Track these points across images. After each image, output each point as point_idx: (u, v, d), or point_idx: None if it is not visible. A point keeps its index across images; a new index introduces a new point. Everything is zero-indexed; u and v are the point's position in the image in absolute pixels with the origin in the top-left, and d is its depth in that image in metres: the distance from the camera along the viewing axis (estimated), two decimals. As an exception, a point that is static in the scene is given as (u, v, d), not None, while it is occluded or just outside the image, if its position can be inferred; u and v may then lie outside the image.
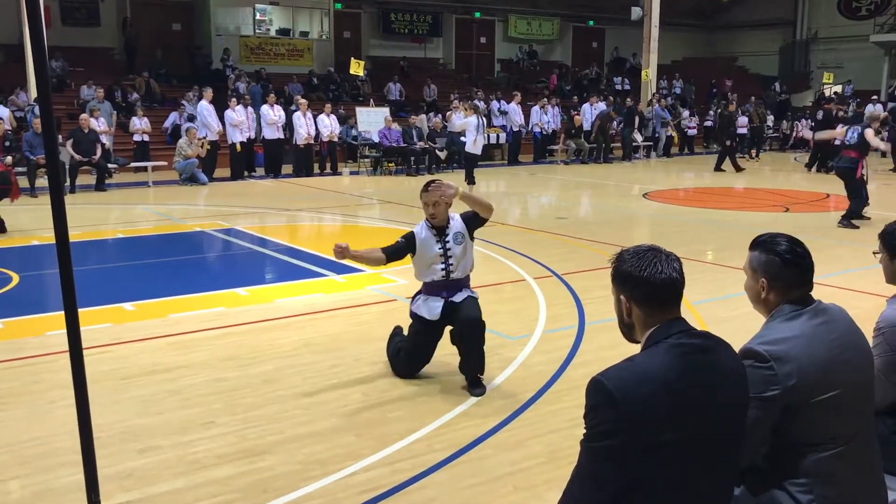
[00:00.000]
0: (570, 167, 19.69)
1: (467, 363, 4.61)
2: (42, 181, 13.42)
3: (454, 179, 4.75)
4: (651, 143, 22.41)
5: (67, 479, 3.50)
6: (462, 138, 15.93)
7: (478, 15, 29.26)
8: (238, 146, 16.38)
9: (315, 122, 17.51)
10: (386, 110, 19.58)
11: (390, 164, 18.17)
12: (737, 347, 2.16)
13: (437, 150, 18.43)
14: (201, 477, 3.57)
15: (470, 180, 14.92)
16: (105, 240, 9.93)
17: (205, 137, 15.84)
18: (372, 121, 18.78)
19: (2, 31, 19.83)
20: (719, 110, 25.21)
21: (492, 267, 7.86)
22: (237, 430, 4.06)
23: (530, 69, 29.28)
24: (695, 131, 24.71)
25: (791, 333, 2.22)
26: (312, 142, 17.47)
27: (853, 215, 10.42)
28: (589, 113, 21.66)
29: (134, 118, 17.23)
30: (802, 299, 2.30)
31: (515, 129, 20.93)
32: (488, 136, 19.07)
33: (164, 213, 11.94)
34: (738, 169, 18.01)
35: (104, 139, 15.46)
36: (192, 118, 17.58)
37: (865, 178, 10.46)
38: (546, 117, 21.06)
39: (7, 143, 13.52)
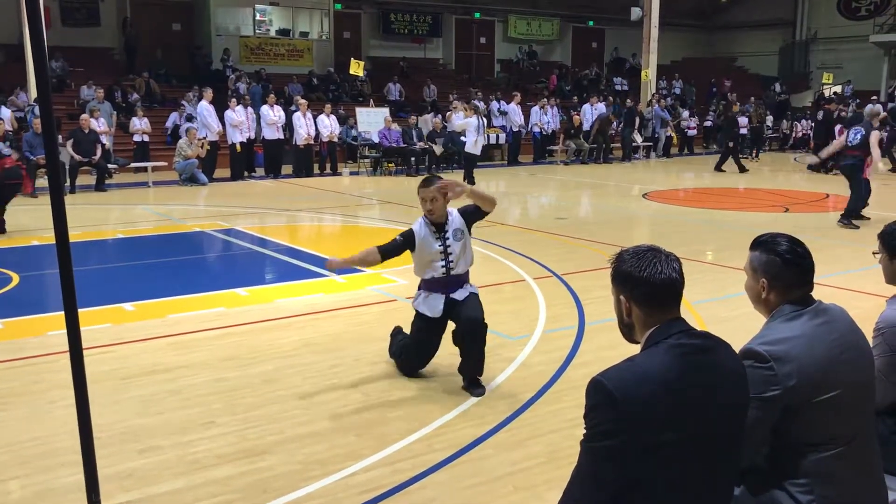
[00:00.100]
0: (570, 167, 19.69)
1: (467, 364, 4.61)
2: (42, 181, 13.42)
3: (453, 179, 4.73)
4: (651, 144, 22.41)
5: (67, 479, 3.51)
6: (462, 138, 15.94)
7: (478, 15, 29.27)
8: (238, 146, 16.39)
9: (315, 122, 17.50)
10: (386, 111, 19.59)
11: (390, 165, 18.18)
12: (737, 347, 2.16)
13: (433, 146, 18.37)
14: (201, 477, 3.57)
15: (469, 180, 14.92)
16: (105, 240, 9.93)
17: (205, 138, 15.84)
18: (372, 121, 18.79)
19: (2, 31, 19.84)
20: (718, 110, 25.29)
21: (492, 267, 7.86)
22: (237, 430, 4.06)
23: (530, 69, 29.29)
24: (695, 132, 24.72)
25: (791, 334, 2.22)
26: (312, 142, 17.47)
27: (852, 213, 10.41)
28: (589, 113, 21.67)
29: (134, 118, 17.23)
30: (803, 299, 2.30)
31: (515, 129, 20.93)
32: (488, 136, 19.07)
33: (164, 213, 11.94)
34: (742, 169, 18.00)
35: (104, 139, 15.47)
36: (190, 118, 17.59)
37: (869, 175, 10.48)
38: (546, 117, 21.06)
39: (7, 144, 13.51)
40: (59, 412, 4.22)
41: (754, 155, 22.13)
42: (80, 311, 2.85)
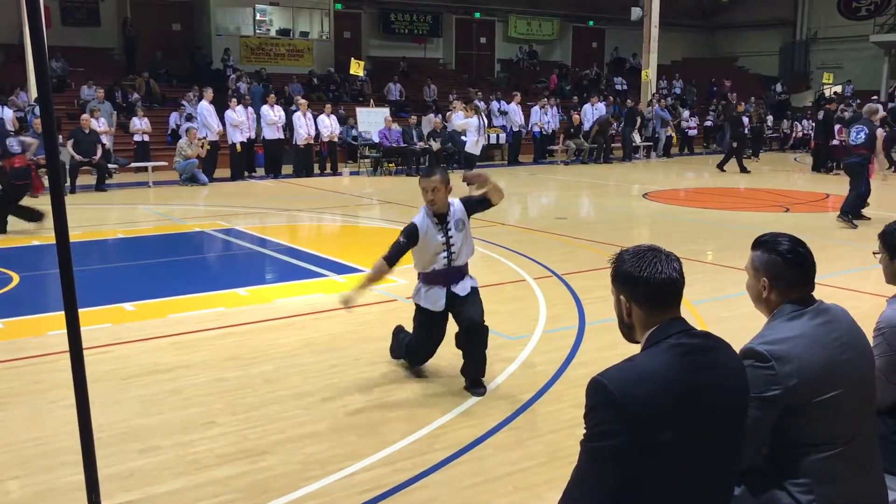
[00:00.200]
0: (570, 167, 19.68)
1: (469, 366, 4.60)
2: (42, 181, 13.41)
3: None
4: (651, 144, 22.42)
5: (68, 478, 3.51)
6: (462, 137, 15.94)
7: (478, 15, 29.26)
8: (238, 146, 16.38)
9: (315, 122, 17.50)
10: (386, 110, 19.58)
11: (390, 165, 18.17)
12: (737, 347, 2.15)
13: (431, 145, 18.32)
14: (201, 477, 3.57)
15: (470, 180, 14.91)
16: (105, 240, 9.93)
17: (205, 138, 15.84)
18: (372, 121, 18.78)
19: (2, 31, 19.84)
20: (718, 110, 25.28)
21: (492, 267, 7.86)
22: (237, 430, 4.06)
23: (530, 69, 29.29)
24: (695, 131, 24.71)
25: (792, 333, 2.22)
26: (312, 142, 17.47)
27: (850, 211, 10.37)
28: (590, 113, 21.67)
29: (134, 118, 17.24)
30: (804, 299, 2.30)
31: (515, 129, 20.93)
32: (488, 136, 19.06)
33: (164, 213, 11.94)
34: (743, 170, 17.99)
35: (104, 139, 15.47)
36: (189, 118, 17.58)
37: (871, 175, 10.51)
38: (546, 117, 21.06)
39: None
40: (59, 412, 4.22)
41: (755, 155, 22.12)
42: (80, 310, 2.85)
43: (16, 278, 7.48)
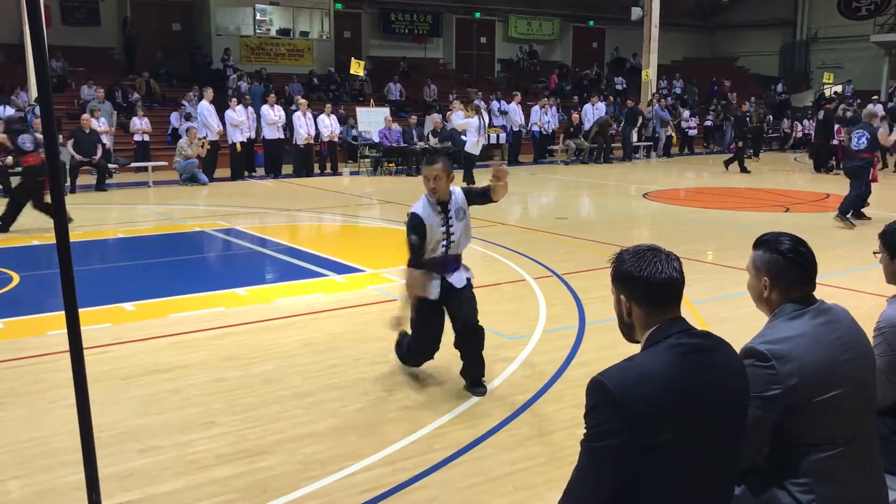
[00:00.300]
0: (570, 167, 19.68)
1: (468, 368, 4.59)
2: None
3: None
4: (651, 143, 22.42)
5: (68, 478, 3.51)
6: (463, 137, 15.93)
7: (478, 15, 29.26)
8: (238, 146, 16.38)
9: (315, 122, 17.50)
10: (386, 110, 19.58)
11: (390, 165, 18.17)
12: (737, 347, 2.15)
13: (428, 144, 18.31)
14: (201, 477, 3.57)
15: (469, 180, 14.92)
16: (105, 240, 9.93)
17: (205, 137, 15.84)
18: (372, 121, 18.78)
19: (2, 31, 19.83)
20: (718, 110, 25.27)
21: (492, 267, 7.86)
22: (237, 430, 4.06)
23: (530, 69, 29.28)
24: (695, 131, 24.71)
25: (793, 333, 2.22)
26: (312, 142, 17.46)
27: (847, 211, 10.36)
28: (591, 113, 21.66)
29: (134, 118, 17.24)
30: (805, 299, 2.30)
31: (515, 129, 20.93)
32: (488, 136, 19.05)
33: (164, 213, 11.94)
34: (744, 170, 17.98)
35: (105, 139, 15.47)
36: (188, 117, 17.57)
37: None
38: (546, 117, 21.06)
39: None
40: (59, 412, 4.22)
41: (755, 155, 22.11)
42: (80, 310, 2.84)
43: (16, 278, 7.48)
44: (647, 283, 1.98)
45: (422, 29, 27.88)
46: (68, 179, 13.85)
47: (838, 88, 28.00)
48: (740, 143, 18.41)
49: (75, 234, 8.97)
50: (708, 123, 25.75)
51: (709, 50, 35.18)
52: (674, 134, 23.43)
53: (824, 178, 16.89)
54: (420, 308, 4.57)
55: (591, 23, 31.60)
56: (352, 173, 17.96)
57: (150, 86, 20.70)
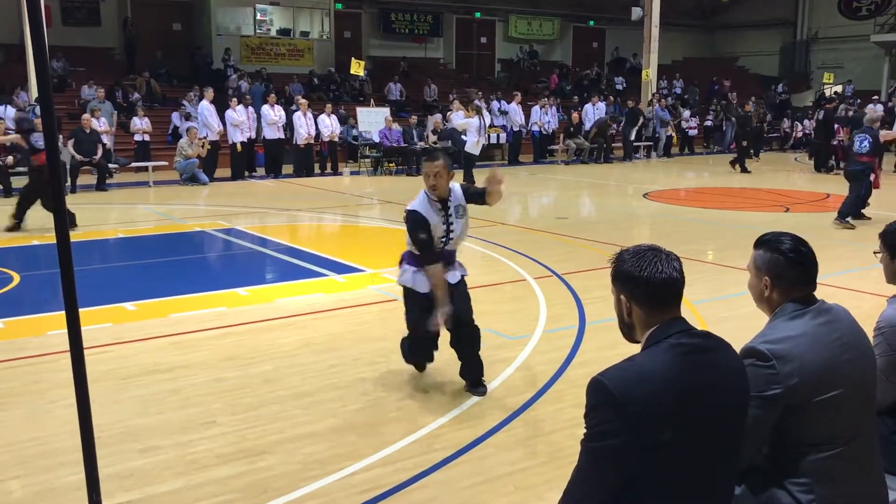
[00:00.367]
0: (571, 167, 19.68)
1: (467, 369, 4.58)
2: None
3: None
4: (651, 143, 22.41)
5: (68, 478, 3.51)
6: (463, 137, 15.94)
7: (478, 15, 29.26)
8: (239, 146, 16.39)
9: (315, 122, 17.51)
10: (386, 110, 19.58)
11: (391, 164, 18.17)
12: (737, 347, 2.15)
13: (427, 144, 18.30)
14: (201, 477, 3.57)
15: (469, 180, 14.91)
16: (106, 240, 9.93)
17: (205, 137, 15.84)
18: (372, 121, 18.78)
19: (2, 31, 19.83)
20: (717, 109, 25.27)
21: (492, 267, 7.86)
22: (237, 430, 4.06)
23: (531, 69, 29.28)
24: (695, 131, 24.70)
25: (794, 332, 2.22)
26: (313, 142, 17.47)
27: (847, 214, 10.35)
28: (591, 113, 21.66)
29: (135, 118, 17.24)
30: (805, 299, 2.30)
31: (516, 129, 20.92)
32: (488, 136, 19.05)
33: (164, 212, 11.95)
34: (744, 170, 17.97)
35: (105, 139, 15.47)
36: (188, 117, 17.57)
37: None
38: (546, 117, 21.06)
39: (9, 144, 13.50)
40: (59, 412, 4.22)
41: (755, 155, 22.10)
42: (80, 310, 2.84)
43: (16, 278, 7.48)
44: (648, 283, 1.98)
45: (422, 29, 27.88)
46: (69, 179, 13.86)
47: (838, 88, 28.00)
48: (744, 143, 18.39)
49: (76, 234, 8.99)
50: (708, 123, 25.74)
51: (709, 50, 35.17)
52: (674, 134, 23.43)
53: (824, 178, 16.88)
54: (413, 306, 4.54)
55: (592, 23, 31.60)
56: (352, 173, 17.96)
57: (151, 86, 20.70)
